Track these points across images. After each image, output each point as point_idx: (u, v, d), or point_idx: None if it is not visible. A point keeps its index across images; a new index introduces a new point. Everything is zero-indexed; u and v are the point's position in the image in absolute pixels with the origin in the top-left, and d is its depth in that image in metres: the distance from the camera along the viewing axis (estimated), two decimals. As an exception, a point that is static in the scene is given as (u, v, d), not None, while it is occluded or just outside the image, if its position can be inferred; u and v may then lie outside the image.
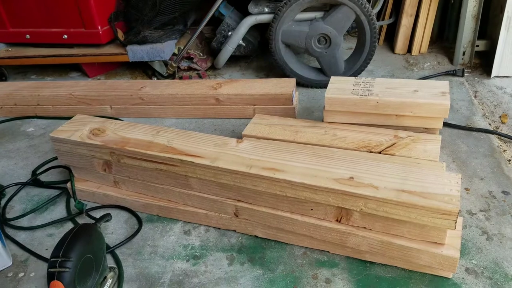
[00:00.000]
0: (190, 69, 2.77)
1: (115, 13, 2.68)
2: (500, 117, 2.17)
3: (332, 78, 1.89)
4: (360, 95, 1.73)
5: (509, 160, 1.87)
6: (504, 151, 1.92)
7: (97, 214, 1.69)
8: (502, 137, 2.01)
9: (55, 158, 2.00)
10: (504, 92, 2.38)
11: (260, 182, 1.41)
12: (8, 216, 1.74)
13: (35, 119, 2.45)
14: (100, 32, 2.63)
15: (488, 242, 1.47)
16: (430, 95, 1.69)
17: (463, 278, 1.36)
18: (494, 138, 1.99)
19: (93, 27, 2.62)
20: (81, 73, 2.94)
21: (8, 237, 1.64)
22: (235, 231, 1.60)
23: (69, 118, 1.82)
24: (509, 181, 1.73)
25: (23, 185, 1.90)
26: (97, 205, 1.76)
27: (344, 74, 2.47)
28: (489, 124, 2.11)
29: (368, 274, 1.40)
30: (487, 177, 1.76)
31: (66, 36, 2.68)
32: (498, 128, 2.09)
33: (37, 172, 1.96)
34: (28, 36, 2.74)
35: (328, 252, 1.48)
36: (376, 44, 2.40)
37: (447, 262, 1.30)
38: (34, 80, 2.89)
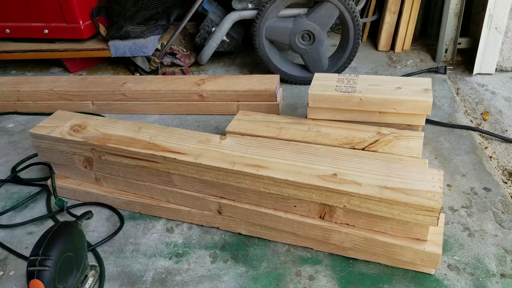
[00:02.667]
0: (173, 65, 2.75)
1: (97, 7, 2.64)
2: (481, 114, 2.19)
3: (316, 75, 1.89)
4: (344, 92, 1.73)
5: (491, 157, 1.89)
6: (486, 148, 1.94)
7: (78, 211, 1.66)
8: (483, 134, 2.03)
9: (35, 155, 1.97)
10: (486, 90, 2.40)
11: (244, 179, 1.40)
12: (-13, 214, 1.71)
13: (15, 115, 2.40)
14: (82, 27, 2.59)
15: (470, 239, 1.49)
16: (413, 92, 1.70)
17: (445, 274, 1.37)
18: (476, 135, 2.01)
19: (74, 22, 2.58)
20: (62, 69, 2.89)
21: (-14, 235, 1.61)
22: (218, 228, 1.59)
23: (50, 114, 1.79)
24: (491, 178, 1.74)
25: (2, 182, 1.87)
26: (78, 202, 1.74)
27: (327, 70, 2.48)
28: (471, 121, 2.14)
29: (351, 270, 1.40)
30: (469, 173, 1.77)
31: (47, 31, 2.63)
32: (480, 125, 2.11)
33: (17, 169, 1.93)
34: (8, 30, 2.69)
35: (312, 249, 1.48)
36: (360, 41, 2.40)
37: (430, 259, 1.30)
38: (14, 76, 2.83)
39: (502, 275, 1.35)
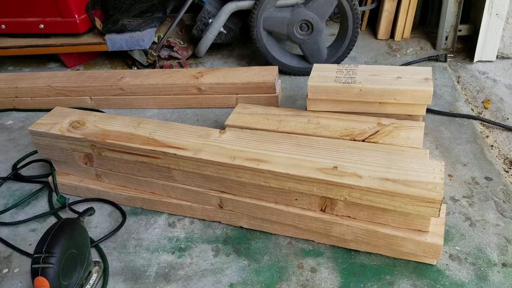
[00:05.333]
0: (170, 58, 2.73)
1: (92, 1, 2.62)
2: (482, 102, 2.18)
3: (315, 66, 1.87)
4: (343, 83, 1.72)
5: (492, 146, 1.88)
6: (487, 136, 1.94)
7: (80, 208, 1.67)
8: (484, 123, 2.02)
9: (36, 152, 1.97)
10: (487, 77, 2.39)
11: (244, 173, 1.40)
12: (-11, 212, 1.71)
13: (14, 111, 2.40)
14: (77, 21, 2.57)
15: (471, 228, 1.49)
16: (413, 82, 1.69)
17: (447, 264, 1.37)
18: (477, 123, 2.00)
19: (70, 16, 2.56)
20: (59, 64, 2.87)
21: (-11, 233, 1.62)
22: (220, 222, 1.59)
23: (48, 110, 1.79)
24: (492, 167, 1.74)
25: (3, 179, 1.87)
26: (80, 198, 1.74)
27: (326, 61, 2.46)
28: (472, 109, 2.13)
29: (353, 262, 1.41)
30: (470, 163, 1.77)
31: (42, 26, 2.61)
32: (481, 113, 2.10)
33: (18, 166, 1.93)
34: (3, 26, 2.67)
35: (313, 241, 1.48)
36: (359, 30, 2.39)
37: (431, 249, 1.31)
38: (11, 72, 2.82)
39: (504, 265, 1.36)
